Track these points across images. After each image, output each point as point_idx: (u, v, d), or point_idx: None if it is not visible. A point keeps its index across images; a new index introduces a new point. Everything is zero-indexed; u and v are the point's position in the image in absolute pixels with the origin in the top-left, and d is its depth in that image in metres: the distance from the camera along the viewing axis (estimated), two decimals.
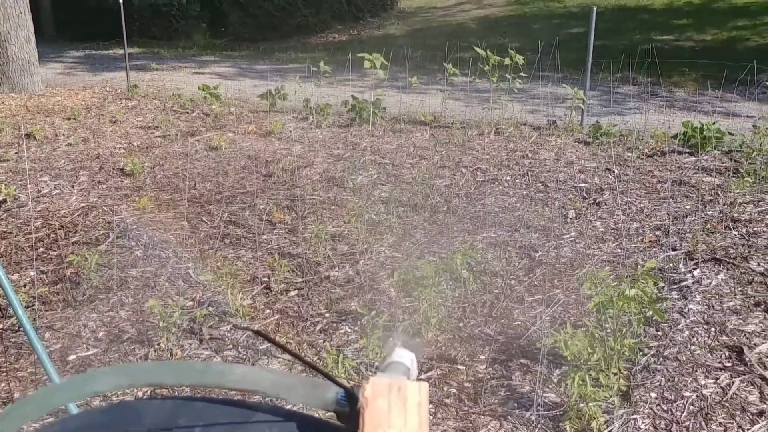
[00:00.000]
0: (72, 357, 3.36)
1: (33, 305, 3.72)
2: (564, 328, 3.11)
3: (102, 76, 11.68)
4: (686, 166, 6.21)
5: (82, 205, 5.22)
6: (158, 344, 3.42)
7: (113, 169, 6.17)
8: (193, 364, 0.94)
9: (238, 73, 12.35)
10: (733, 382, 3.14)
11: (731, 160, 6.32)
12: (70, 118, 8.03)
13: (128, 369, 0.94)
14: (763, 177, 5.68)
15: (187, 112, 8.53)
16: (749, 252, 4.38)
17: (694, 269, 4.17)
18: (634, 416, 2.93)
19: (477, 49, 7.71)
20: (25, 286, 3.94)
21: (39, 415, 0.93)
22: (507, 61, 7.56)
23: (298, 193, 5.49)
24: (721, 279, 4.06)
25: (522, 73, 7.82)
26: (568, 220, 5.08)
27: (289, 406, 0.97)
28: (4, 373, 3.21)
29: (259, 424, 0.88)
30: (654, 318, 3.63)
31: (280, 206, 5.20)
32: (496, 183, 5.82)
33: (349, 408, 0.83)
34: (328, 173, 5.95)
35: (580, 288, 3.81)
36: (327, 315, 3.80)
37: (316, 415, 0.96)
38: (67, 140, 7.05)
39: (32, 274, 4.11)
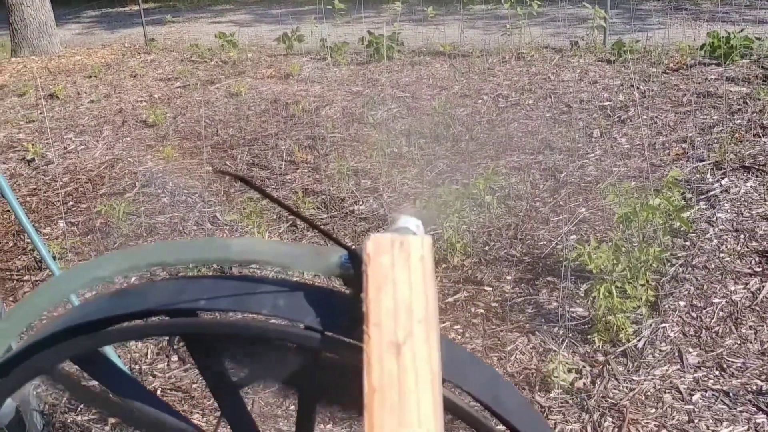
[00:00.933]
0: None
1: (66, 256, 3.81)
2: (587, 242, 3.09)
3: (119, 33, 11.67)
4: (712, 77, 6.05)
5: (108, 158, 5.28)
6: None
7: (136, 121, 6.20)
8: (194, 241, 0.95)
9: (254, 20, 12.25)
10: (763, 287, 3.12)
11: (760, 67, 6.15)
12: (90, 76, 8.07)
13: (129, 252, 0.96)
14: None
15: (206, 61, 8.51)
16: None
17: (722, 178, 4.11)
18: (663, 325, 2.94)
19: None
20: (57, 238, 4.03)
21: (50, 306, 0.99)
22: None
23: (319, 132, 5.48)
24: (750, 186, 4.00)
25: None
26: (593, 139, 5.01)
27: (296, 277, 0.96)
28: None
29: (265, 295, 0.88)
30: (681, 228, 3.60)
31: (302, 146, 5.20)
32: (518, 108, 5.75)
33: (354, 269, 0.82)
34: (348, 110, 5.93)
35: (605, 203, 3.78)
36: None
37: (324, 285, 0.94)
38: (89, 97, 7.10)
39: (63, 225, 4.19)
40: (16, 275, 3.72)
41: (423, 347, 0.75)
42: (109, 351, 2.50)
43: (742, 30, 6.55)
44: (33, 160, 5.26)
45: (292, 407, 2.61)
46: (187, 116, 6.27)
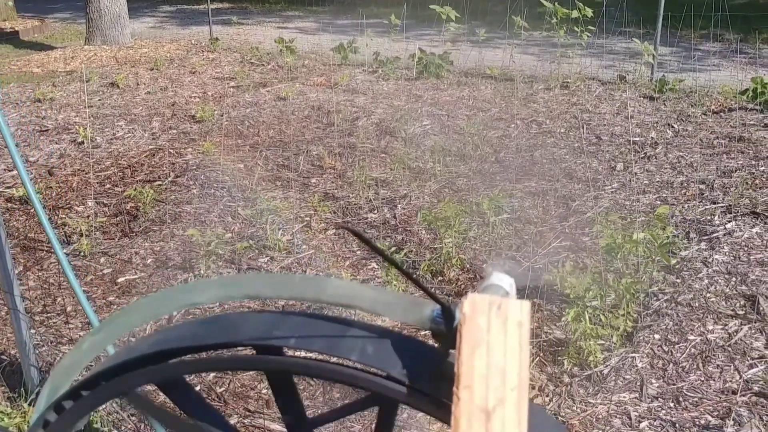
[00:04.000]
0: (120, 279, 3.71)
1: (93, 234, 4.10)
2: (563, 267, 3.22)
3: (189, 30, 12.15)
4: (751, 122, 6.05)
5: (150, 147, 5.60)
6: (199, 271, 3.73)
7: (185, 115, 6.53)
8: (291, 277, 0.95)
9: (318, 28, 12.59)
10: (740, 329, 3.18)
11: None
12: (152, 69, 8.48)
13: (227, 281, 0.99)
14: None
15: (263, 65, 8.84)
16: None
17: (729, 222, 4.16)
18: (633, 354, 3.04)
19: (544, 1, 7.64)
20: (88, 217, 4.33)
21: (142, 323, 1.02)
22: (574, 13, 7.47)
23: (352, 141, 5.69)
24: (755, 232, 4.04)
25: (591, 27, 7.71)
26: (614, 172, 5.09)
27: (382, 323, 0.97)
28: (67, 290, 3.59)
29: (354, 339, 0.88)
30: (676, 266, 3.69)
31: (332, 153, 5.42)
32: (549, 135, 5.86)
33: (445, 326, 0.81)
34: (383, 123, 6.13)
35: (592, 232, 3.88)
36: (358, 252, 4.02)
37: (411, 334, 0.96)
38: (147, 89, 7.48)
39: (91, 205, 4.49)
40: (46, 246, 4.03)
41: (513, 416, 0.73)
42: None
43: None
44: (82, 142, 5.62)
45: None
46: (233, 115, 6.57)
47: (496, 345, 0.75)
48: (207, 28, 10.90)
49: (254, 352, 0.94)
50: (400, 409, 0.95)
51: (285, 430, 2.59)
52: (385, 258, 0.87)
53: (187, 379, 1.10)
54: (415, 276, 0.85)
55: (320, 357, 0.91)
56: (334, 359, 0.89)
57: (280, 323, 0.92)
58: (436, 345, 0.85)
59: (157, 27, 12.74)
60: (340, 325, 0.90)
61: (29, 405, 2.71)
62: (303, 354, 0.97)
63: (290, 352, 0.94)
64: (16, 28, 12.07)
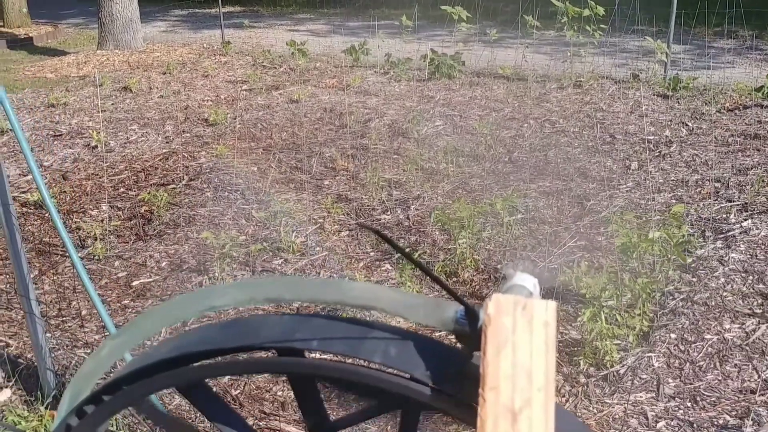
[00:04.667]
0: (135, 283, 3.73)
1: (107, 238, 4.12)
2: (578, 267, 3.20)
3: (201, 34, 12.19)
4: (766, 119, 6.00)
5: (164, 151, 5.62)
6: (213, 273, 3.73)
7: (198, 119, 6.55)
8: (311, 280, 0.96)
9: (330, 30, 12.60)
10: (758, 328, 3.15)
11: None
12: (165, 73, 8.51)
13: (246, 284, 0.97)
14: None
15: (275, 67, 8.86)
16: None
17: (745, 220, 4.12)
18: (649, 354, 3.02)
19: (554, 0, 7.62)
20: (102, 221, 4.35)
21: (162, 327, 1.01)
22: (586, 12, 7.43)
23: (365, 143, 5.69)
24: None
25: (603, 25, 7.67)
26: (629, 171, 5.07)
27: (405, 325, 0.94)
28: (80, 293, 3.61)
29: (376, 341, 0.86)
30: (692, 265, 3.66)
31: (345, 155, 5.43)
32: (562, 134, 5.83)
33: (469, 327, 0.81)
34: (396, 124, 6.12)
35: (608, 231, 3.86)
36: (372, 254, 4.02)
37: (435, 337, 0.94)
38: (160, 93, 7.51)
39: (105, 209, 4.51)
40: (61, 250, 4.05)
41: (540, 417, 0.72)
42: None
43: None
44: (96, 147, 5.65)
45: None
46: (246, 118, 6.58)
47: (521, 345, 0.74)
48: (219, 31, 10.93)
49: (275, 355, 0.93)
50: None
51: None
52: (407, 257, 0.85)
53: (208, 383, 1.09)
54: (437, 276, 0.83)
55: (341, 360, 0.90)
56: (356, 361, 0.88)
57: (301, 325, 0.92)
58: (460, 346, 0.83)
59: (169, 31, 12.79)
60: (361, 327, 0.89)
61: (46, 408, 2.72)
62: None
63: (311, 356, 0.92)
64: (30, 34, 12.15)
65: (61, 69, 9.38)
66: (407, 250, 3.97)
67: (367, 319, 0.97)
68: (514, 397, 0.72)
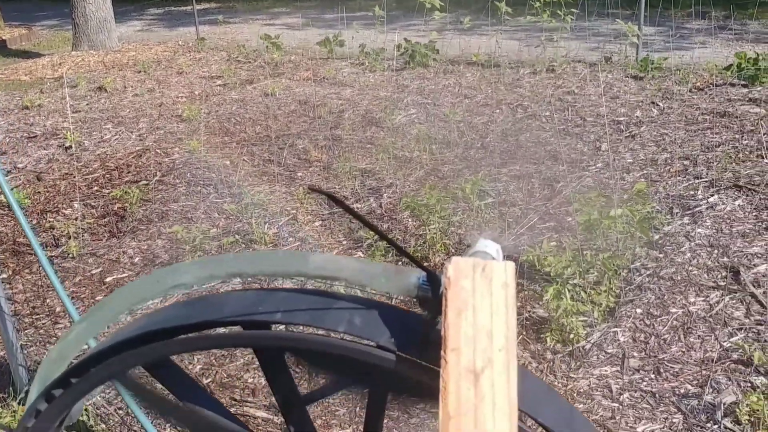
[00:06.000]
0: (109, 279, 3.74)
1: (81, 236, 4.13)
2: (541, 245, 3.25)
3: (177, 31, 12.16)
4: (735, 97, 6.07)
5: (137, 148, 5.62)
6: None
7: (171, 115, 6.55)
8: (273, 253, 0.96)
9: (305, 23, 12.59)
10: (722, 300, 3.21)
11: None
12: (140, 71, 8.50)
13: (208, 261, 1.00)
14: None
15: (249, 62, 8.85)
16: None
17: (712, 196, 4.18)
18: (615, 329, 3.07)
19: None
20: (76, 219, 4.36)
21: (127, 309, 1.01)
22: None
23: (338, 133, 5.71)
24: (738, 205, 4.06)
25: (573, 9, 7.71)
26: (599, 152, 5.11)
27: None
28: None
29: (341, 311, 0.88)
30: (659, 241, 3.71)
31: (318, 146, 5.45)
32: (534, 119, 5.88)
33: (432, 292, 0.82)
34: (369, 114, 6.15)
35: (570, 209, 3.91)
36: (344, 242, 4.05)
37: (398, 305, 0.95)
38: (134, 91, 7.50)
39: (77, 207, 4.52)
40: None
41: (502, 376, 0.73)
42: None
43: None
44: (70, 147, 5.64)
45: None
46: (220, 113, 6.59)
47: (481, 307, 0.74)
48: (194, 28, 10.91)
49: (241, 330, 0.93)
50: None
51: (270, 417, 2.62)
52: (361, 220, 0.85)
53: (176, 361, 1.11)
54: (398, 244, 0.86)
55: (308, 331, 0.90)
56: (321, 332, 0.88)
57: (264, 299, 0.92)
58: (424, 312, 0.84)
59: (144, 30, 12.75)
60: (325, 298, 0.90)
61: (19, 404, 2.74)
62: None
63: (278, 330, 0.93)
64: (3, 37, 12.08)
65: (36, 71, 9.33)
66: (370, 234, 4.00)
67: (332, 290, 0.98)
68: (475, 358, 0.73)
